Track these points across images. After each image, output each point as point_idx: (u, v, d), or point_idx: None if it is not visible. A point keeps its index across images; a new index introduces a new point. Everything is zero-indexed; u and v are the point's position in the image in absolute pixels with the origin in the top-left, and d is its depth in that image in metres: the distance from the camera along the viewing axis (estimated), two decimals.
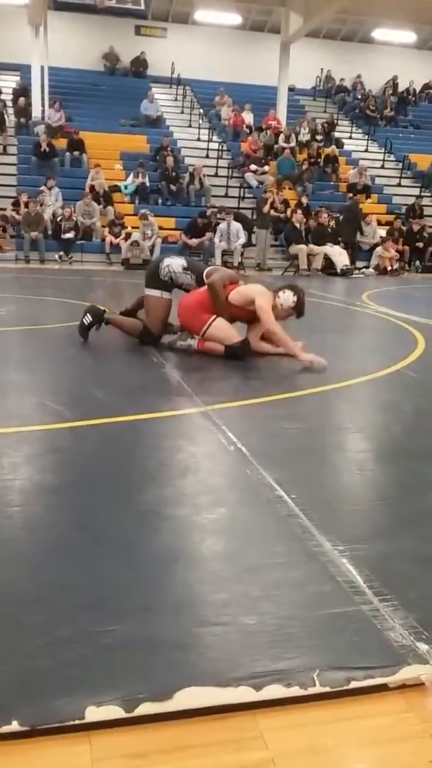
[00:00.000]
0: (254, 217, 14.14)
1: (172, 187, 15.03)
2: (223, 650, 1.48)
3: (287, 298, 4.78)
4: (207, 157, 16.56)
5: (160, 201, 15.09)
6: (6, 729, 1.25)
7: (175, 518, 2.14)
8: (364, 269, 14.12)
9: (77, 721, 1.27)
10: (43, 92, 16.51)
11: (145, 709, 1.31)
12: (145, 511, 2.18)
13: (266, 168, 16.21)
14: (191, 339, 4.78)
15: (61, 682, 1.37)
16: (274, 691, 1.37)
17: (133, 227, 13.55)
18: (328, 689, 1.38)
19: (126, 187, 14.98)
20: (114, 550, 1.91)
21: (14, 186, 14.55)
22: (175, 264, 4.92)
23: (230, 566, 1.84)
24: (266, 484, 2.40)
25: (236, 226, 13.22)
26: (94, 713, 1.29)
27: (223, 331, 4.65)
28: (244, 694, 1.36)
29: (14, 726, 1.25)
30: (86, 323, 4.99)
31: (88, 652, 1.45)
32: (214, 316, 4.66)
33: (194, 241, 13.36)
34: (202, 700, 1.34)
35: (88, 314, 5.02)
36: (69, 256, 13.34)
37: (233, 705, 1.34)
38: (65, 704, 1.30)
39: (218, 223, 13.40)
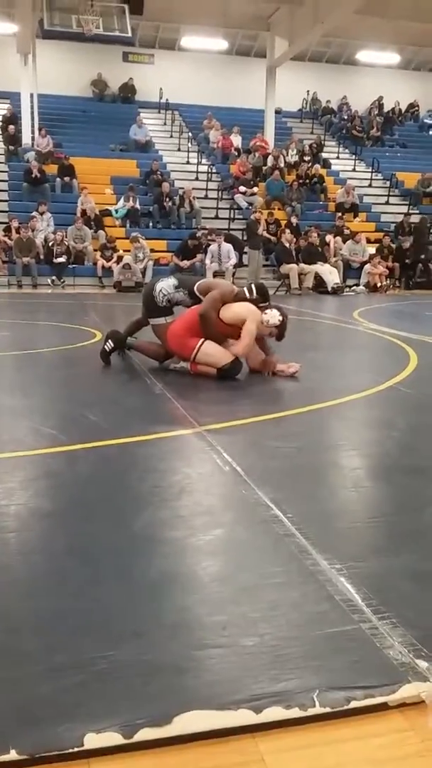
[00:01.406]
0: (245, 238, 14.25)
1: (164, 208, 15.15)
2: (222, 673, 1.48)
3: (273, 315, 4.75)
4: (196, 179, 16.72)
5: (151, 224, 15.20)
6: (4, 758, 1.24)
7: (171, 540, 2.13)
8: (354, 287, 14.22)
9: (76, 749, 1.26)
10: (33, 119, 16.69)
11: (145, 734, 1.29)
12: (141, 534, 2.17)
13: (255, 189, 16.37)
14: (184, 362, 4.80)
15: (59, 709, 1.35)
16: (274, 713, 1.36)
17: (124, 250, 13.63)
18: (328, 710, 1.37)
19: (117, 211, 15.10)
20: (110, 574, 1.90)
21: (5, 212, 14.64)
22: (166, 286, 4.93)
23: (227, 587, 1.84)
24: (262, 504, 2.40)
25: (227, 247, 13.32)
26: (93, 740, 1.27)
27: (213, 355, 4.65)
28: (243, 716, 1.35)
29: (13, 755, 1.24)
30: (107, 349, 5.03)
31: (86, 678, 1.44)
32: (202, 340, 4.67)
33: (186, 263, 13.44)
34: (201, 724, 1.32)
35: (109, 340, 5.05)
36: (61, 280, 13.41)
37: (233, 728, 1.33)
38: (64, 731, 1.29)
39: (209, 245, 13.49)
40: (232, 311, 4.72)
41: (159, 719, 1.32)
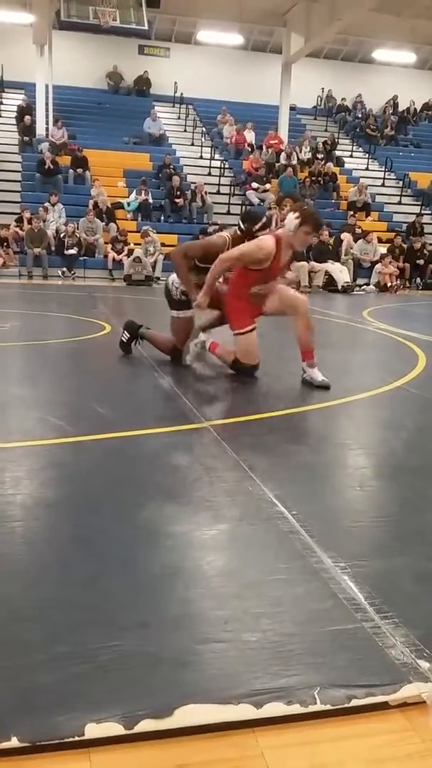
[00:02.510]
0: None
1: (176, 203, 15.14)
2: (224, 667, 1.48)
3: (290, 221, 4.23)
4: (209, 174, 16.70)
5: (162, 218, 15.20)
6: (5, 745, 1.24)
7: (175, 534, 2.14)
8: (365, 286, 14.18)
9: (77, 738, 1.27)
10: (47, 110, 16.71)
11: (145, 726, 1.30)
12: (146, 527, 2.17)
13: (268, 186, 16.34)
14: (204, 336, 4.76)
15: (61, 698, 1.36)
16: (274, 708, 1.36)
17: (135, 244, 13.63)
18: (328, 707, 1.37)
19: (129, 204, 15.11)
20: (114, 565, 1.91)
21: (18, 203, 14.66)
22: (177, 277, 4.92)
23: (231, 583, 1.84)
24: (267, 500, 2.40)
25: None
26: (93, 730, 1.28)
27: (246, 347, 4.53)
28: (244, 711, 1.35)
29: (14, 742, 1.25)
30: (125, 339, 5.07)
31: (88, 669, 1.45)
32: (254, 326, 4.54)
33: None
34: (202, 717, 1.33)
35: (125, 331, 5.08)
36: (72, 271, 13.43)
37: (234, 722, 1.33)
38: (65, 721, 1.30)
39: None
40: (230, 256, 4.40)
41: (160, 711, 1.33)
